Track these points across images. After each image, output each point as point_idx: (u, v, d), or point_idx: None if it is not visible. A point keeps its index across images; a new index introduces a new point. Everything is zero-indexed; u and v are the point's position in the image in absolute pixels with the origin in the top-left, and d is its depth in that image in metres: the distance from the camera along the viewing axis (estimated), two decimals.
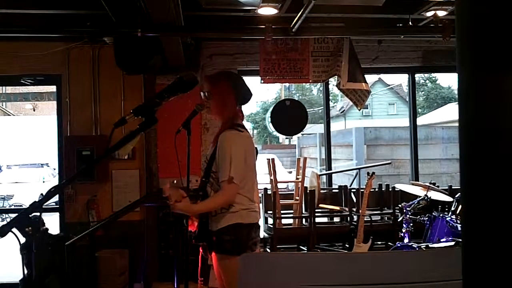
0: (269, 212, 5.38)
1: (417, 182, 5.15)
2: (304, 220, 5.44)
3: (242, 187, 2.67)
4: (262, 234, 5.29)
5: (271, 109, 5.82)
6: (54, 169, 12.07)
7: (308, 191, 5.40)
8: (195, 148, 5.15)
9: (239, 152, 2.67)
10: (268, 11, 4.30)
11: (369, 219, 4.99)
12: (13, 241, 1.57)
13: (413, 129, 6.18)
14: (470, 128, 0.61)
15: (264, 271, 1.14)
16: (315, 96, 27.24)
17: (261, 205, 5.30)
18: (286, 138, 20.61)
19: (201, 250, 2.87)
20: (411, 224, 4.46)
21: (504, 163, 0.57)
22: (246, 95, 2.88)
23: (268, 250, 5.25)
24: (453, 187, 5.63)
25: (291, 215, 5.55)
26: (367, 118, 24.25)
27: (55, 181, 11.29)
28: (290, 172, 12.60)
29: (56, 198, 5.34)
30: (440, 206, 4.67)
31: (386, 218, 5.65)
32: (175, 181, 2.74)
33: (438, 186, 4.99)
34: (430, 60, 5.94)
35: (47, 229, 4.40)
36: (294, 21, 4.29)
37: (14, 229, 1.46)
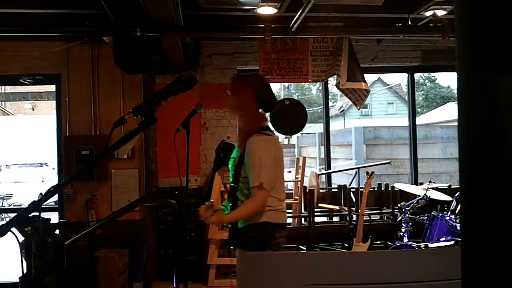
0: None
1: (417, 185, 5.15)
2: (303, 219, 5.44)
3: (271, 188, 2.67)
4: None
5: None
6: (53, 169, 12.05)
7: (307, 191, 5.40)
8: (194, 147, 5.15)
9: (268, 158, 2.67)
10: (267, 10, 4.30)
11: (369, 219, 4.99)
12: (13, 241, 1.57)
13: (412, 129, 6.19)
14: (470, 128, 0.61)
15: (263, 271, 1.14)
16: (315, 95, 27.22)
17: None
18: (285, 137, 20.57)
19: None
20: (410, 224, 4.46)
21: (504, 162, 0.57)
22: (267, 102, 2.83)
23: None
24: (452, 187, 5.64)
25: (290, 215, 5.54)
26: (366, 117, 24.24)
27: (54, 181, 11.27)
28: (289, 172, 12.57)
29: (55, 197, 5.34)
30: (439, 206, 4.67)
31: (385, 217, 5.66)
32: (211, 201, 2.83)
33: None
34: (429, 60, 5.94)
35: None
36: (293, 20, 4.29)
37: (13, 229, 1.46)
